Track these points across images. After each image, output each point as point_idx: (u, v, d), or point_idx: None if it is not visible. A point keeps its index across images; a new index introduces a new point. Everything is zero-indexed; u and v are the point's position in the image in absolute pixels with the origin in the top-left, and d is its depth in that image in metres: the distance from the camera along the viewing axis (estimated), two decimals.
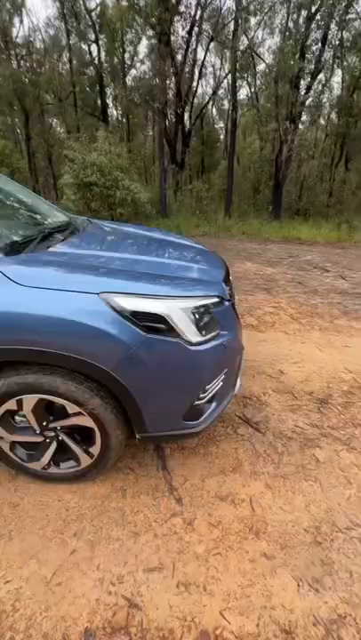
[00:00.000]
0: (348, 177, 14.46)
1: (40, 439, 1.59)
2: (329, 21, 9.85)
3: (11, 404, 1.47)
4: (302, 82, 10.68)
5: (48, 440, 1.59)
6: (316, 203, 13.85)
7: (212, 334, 1.52)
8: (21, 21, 18.00)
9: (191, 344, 1.40)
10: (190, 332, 1.40)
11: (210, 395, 1.60)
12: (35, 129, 19.34)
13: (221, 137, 26.40)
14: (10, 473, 1.73)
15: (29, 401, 1.45)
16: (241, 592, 1.27)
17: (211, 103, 19.98)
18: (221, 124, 27.10)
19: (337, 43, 10.48)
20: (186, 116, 15.17)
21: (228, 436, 2.05)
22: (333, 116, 15.37)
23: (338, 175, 15.09)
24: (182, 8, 11.46)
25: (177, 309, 1.38)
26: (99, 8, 16.10)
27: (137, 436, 1.55)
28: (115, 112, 21.81)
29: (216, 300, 1.60)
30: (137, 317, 1.33)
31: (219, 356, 1.56)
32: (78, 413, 1.48)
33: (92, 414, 1.46)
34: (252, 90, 16.05)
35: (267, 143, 15.07)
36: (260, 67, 13.86)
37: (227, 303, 1.71)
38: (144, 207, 9.88)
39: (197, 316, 1.46)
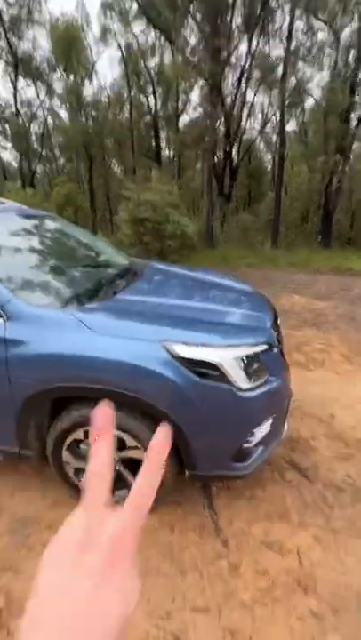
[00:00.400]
0: None
1: None
2: None
3: (78, 434, 1.68)
4: (352, 115, 10.74)
5: None
6: None
7: (261, 380, 1.61)
8: (90, 82, 20.53)
9: (241, 390, 1.50)
10: (240, 379, 1.51)
11: (258, 438, 1.66)
12: (97, 171, 21.59)
13: (268, 168, 27.01)
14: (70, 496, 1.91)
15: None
16: None
17: (258, 138, 20.77)
18: (269, 157, 27.83)
19: None
20: (234, 150, 15.89)
21: (274, 480, 2.05)
22: None
23: None
24: (233, 60, 12.40)
25: (228, 358, 1.51)
26: (157, 66, 18.05)
27: (186, 474, 1.65)
28: (167, 152, 23.59)
29: (265, 347, 1.70)
30: (192, 364, 1.48)
31: (267, 402, 1.63)
32: (135, 447, 1.63)
33: (147, 449, 1.60)
34: (300, 121, 16.41)
35: (315, 174, 15.11)
36: (309, 102, 14.25)
37: (275, 350, 1.79)
38: (191, 239, 10.35)
39: (247, 363, 1.56)
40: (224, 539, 1.69)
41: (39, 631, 0.24)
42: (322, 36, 12.59)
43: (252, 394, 1.54)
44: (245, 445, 1.60)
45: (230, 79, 13.44)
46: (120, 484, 1.80)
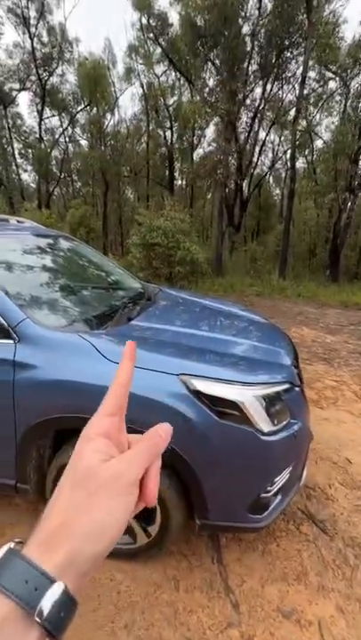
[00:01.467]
0: None
1: None
2: None
3: None
4: None
5: None
6: None
7: (284, 423, 1.49)
8: (112, 115, 21.77)
9: (262, 433, 1.39)
10: (262, 421, 1.40)
11: (277, 487, 1.52)
12: (111, 196, 22.39)
13: (277, 201, 27.84)
14: None
15: None
16: None
17: (268, 174, 21.57)
18: (278, 191, 28.78)
19: None
20: (245, 184, 16.44)
21: (289, 532, 1.87)
22: None
23: None
24: (248, 101, 13.13)
25: (250, 396, 1.40)
26: (176, 104, 19.17)
27: (197, 522, 1.50)
28: (180, 182, 24.52)
29: (287, 385, 1.60)
30: (211, 401, 1.38)
31: (289, 447, 1.50)
32: None
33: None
34: (309, 159, 17.06)
35: (323, 210, 15.48)
36: (318, 142, 14.88)
37: (297, 389, 1.69)
38: (201, 266, 10.46)
39: (269, 403, 1.46)
40: (235, 602, 1.50)
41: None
42: (333, 84, 13.41)
43: (275, 438, 1.42)
44: (263, 495, 1.46)
45: (244, 118, 14.18)
46: None
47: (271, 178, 25.71)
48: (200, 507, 1.46)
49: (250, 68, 12.15)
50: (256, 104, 13.86)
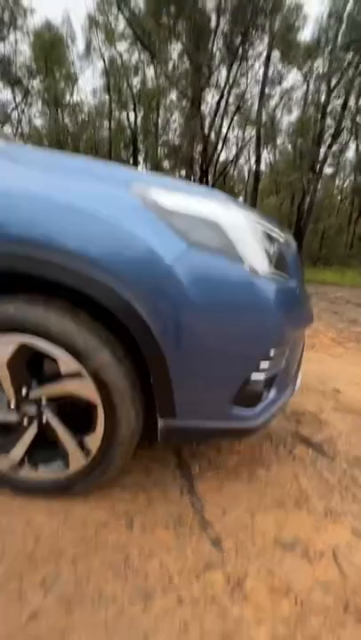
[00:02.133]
0: None
1: (14, 417, 1.06)
2: (350, 88, 10.76)
3: None
4: (324, 139, 11.35)
5: (26, 420, 1.06)
6: (337, 253, 13.84)
7: (283, 275, 1.05)
8: (71, 94, 20.56)
9: (255, 274, 0.93)
10: (255, 256, 0.94)
11: (271, 372, 1.07)
12: None
13: (241, 199, 28.12)
14: None
15: (5, 347, 0.96)
16: None
17: (233, 167, 21.59)
18: (241, 186, 29.10)
19: (355, 110, 11.32)
20: (210, 170, 16.19)
21: (280, 457, 1.44)
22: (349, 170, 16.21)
23: (358, 228, 15.38)
24: (213, 80, 12.84)
25: (236, 219, 0.94)
26: (139, 84, 18.43)
27: (160, 425, 1.01)
28: (144, 165, 23.78)
29: (282, 239, 1.16)
30: (179, 220, 0.89)
31: (291, 307, 1.06)
32: (75, 375, 0.97)
33: (95, 377, 0.95)
34: (273, 151, 17.27)
35: (286, 199, 15.72)
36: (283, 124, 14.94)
37: (293, 254, 1.26)
38: None
39: (264, 239, 1.00)
40: (215, 538, 1.03)
41: None
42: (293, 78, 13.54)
43: (273, 285, 0.97)
44: (255, 376, 1.00)
45: (210, 99, 13.89)
46: (47, 451, 1.11)
47: (236, 173, 25.87)
48: (164, 399, 0.97)
49: (215, 44, 11.86)
50: (221, 87, 13.65)
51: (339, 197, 20.08)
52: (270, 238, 1.06)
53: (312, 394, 2.09)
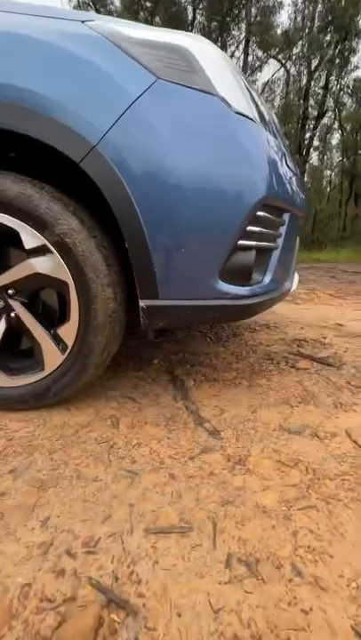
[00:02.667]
0: (359, 212, 14.61)
1: None
2: (331, 69, 10.75)
3: None
4: (308, 122, 11.32)
5: None
6: (330, 236, 13.76)
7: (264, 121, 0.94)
8: None
9: (230, 108, 0.81)
10: (232, 90, 0.83)
11: (263, 244, 0.96)
12: None
13: None
14: None
15: None
16: None
17: None
18: None
19: (337, 90, 11.32)
20: None
21: (282, 371, 1.33)
22: (337, 156, 16.17)
23: (349, 211, 15.32)
24: None
25: (209, 48, 0.83)
26: None
27: (141, 306, 0.89)
28: None
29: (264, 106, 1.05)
30: (147, 53, 0.78)
31: (277, 165, 0.94)
32: (40, 250, 0.86)
33: (63, 248, 0.84)
34: None
35: None
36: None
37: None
38: None
39: (241, 82, 0.89)
40: (212, 429, 0.91)
41: None
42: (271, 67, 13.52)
43: (254, 128, 0.85)
44: (242, 242, 0.89)
45: None
46: (18, 355, 1.00)
47: None
48: (142, 271, 0.86)
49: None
50: None
51: (328, 188, 20.08)
52: (252, 97, 0.95)
53: (314, 328, 1.98)
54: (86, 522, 0.60)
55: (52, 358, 0.95)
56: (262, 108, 1.08)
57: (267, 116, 1.14)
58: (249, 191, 0.84)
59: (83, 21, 0.81)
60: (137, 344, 1.57)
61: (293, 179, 1.12)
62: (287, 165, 1.05)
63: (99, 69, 0.77)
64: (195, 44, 0.82)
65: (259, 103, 1.04)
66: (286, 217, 1.09)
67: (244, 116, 0.83)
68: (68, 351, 0.93)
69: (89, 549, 0.55)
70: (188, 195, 0.81)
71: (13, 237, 0.88)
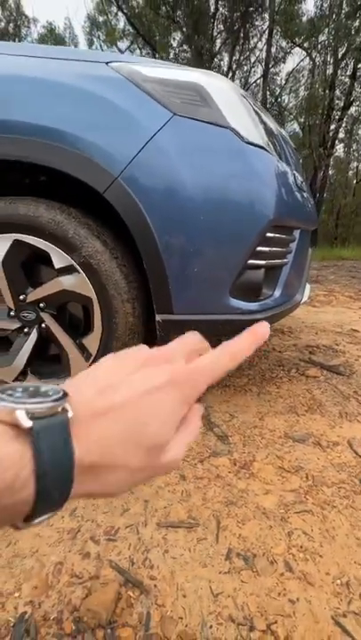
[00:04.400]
0: None
1: (14, 325, 1.06)
2: (359, 57, 10.31)
3: None
4: (333, 114, 10.94)
5: (26, 327, 1.06)
6: (355, 231, 13.31)
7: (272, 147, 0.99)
8: None
9: (241, 139, 0.87)
10: (244, 123, 0.89)
11: (273, 262, 1.01)
12: None
13: None
14: None
15: (0, 245, 0.96)
16: None
17: None
18: None
19: None
20: None
21: (292, 378, 1.38)
22: None
23: None
24: (215, 65, 12.66)
25: (222, 84, 0.89)
26: None
27: (157, 320, 0.98)
28: None
29: (276, 130, 1.10)
30: (162, 89, 0.86)
31: (286, 190, 1.00)
32: (68, 270, 0.96)
33: (88, 268, 0.94)
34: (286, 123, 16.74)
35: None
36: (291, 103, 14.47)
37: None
38: None
39: (253, 113, 0.95)
40: (221, 434, 0.99)
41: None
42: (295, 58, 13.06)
43: (265, 156, 0.91)
44: (252, 261, 0.95)
45: None
46: (46, 362, 1.12)
47: None
48: (160, 292, 0.94)
49: (215, 27, 11.68)
50: (224, 71, 13.41)
51: (354, 180, 19.34)
52: (260, 118, 1.00)
53: (328, 334, 2.00)
54: (107, 514, 0.70)
55: (78, 365, 1.05)
56: (271, 125, 1.12)
57: (275, 132, 1.19)
58: (257, 215, 0.90)
59: (107, 63, 0.89)
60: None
61: (303, 196, 1.16)
62: (296, 184, 1.10)
63: (121, 108, 0.84)
64: (207, 80, 0.88)
65: (268, 121, 1.09)
66: (297, 233, 1.14)
67: (254, 144, 0.89)
68: (91, 359, 1.04)
69: (110, 537, 0.64)
70: (201, 220, 0.89)
71: (44, 257, 0.98)
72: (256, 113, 0.98)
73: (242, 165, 0.87)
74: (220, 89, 0.88)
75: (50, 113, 0.85)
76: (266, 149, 0.92)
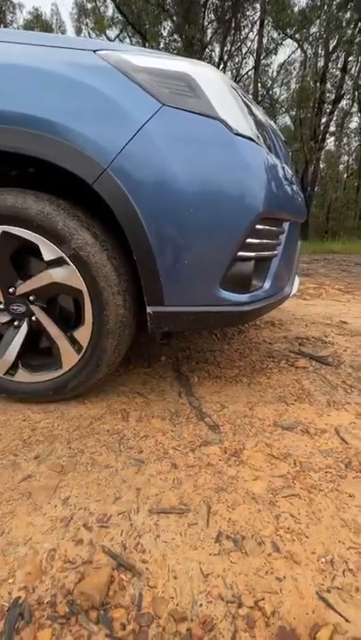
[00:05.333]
0: None
1: (4, 318, 1.06)
2: (350, 49, 10.30)
3: None
4: (324, 107, 10.94)
5: (17, 320, 1.06)
6: (345, 225, 13.44)
7: (262, 139, 1.00)
8: None
9: (231, 130, 0.87)
10: (234, 114, 0.89)
11: (263, 254, 1.02)
12: None
13: None
14: None
15: None
16: (358, 560, 0.59)
17: None
18: None
19: (356, 72, 10.85)
20: None
21: (282, 369, 1.40)
22: (355, 140, 15.63)
23: None
24: (207, 55, 12.49)
25: (211, 74, 0.89)
26: None
27: (148, 312, 0.98)
28: None
29: (266, 121, 1.10)
30: (150, 78, 0.85)
31: (276, 182, 1.00)
32: (58, 262, 0.95)
33: (78, 260, 0.93)
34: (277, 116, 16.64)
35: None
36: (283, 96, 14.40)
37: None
38: None
39: (243, 104, 0.95)
40: (212, 423, 1.01)
41: None
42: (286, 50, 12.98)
43: (254, 148, 0.91)
44: (242, 253, 0.96)
45: None
46: (39, 355, 1.11)
47: None
48: (149, 279, 0.94)
49: (206, 17, 11.50)
50: (215, 62, 13.24)
51: (345, 174, 19.44)
52: (250, 110, 1.01)
53: (317, 326, 2.03)
54: (100, 502, 0.71)
55: (69, 358, 1.05)
56: (261, 117, 1.12)
57: (265, 124, 1.19)
58: (247, 207, 0.90)
59: (94, 51, 0.87)
60: (146, 341, 1.67)
61: (292, 188, 1.17)
62: (285, 177, 1.11)
63: (109, 98, 0.84)
64: (196, 70, 0.87)
65: (257, 114, 1.09)
66: (286, 225, 1.15)
67: (243, 136, 0.89)
68: (82, 351, 1.04)
69: (102, 524, 0.65)
70: (191, 212, 0.89)
71: (33, 249, 0.97)
72: (246, 104, 0.98)
73: (231, 157, 0.88)
74: (210, 79, 0.88)
75: (37, 102, 0.83)
76: (255, 141, 0.92)
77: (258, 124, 1.07)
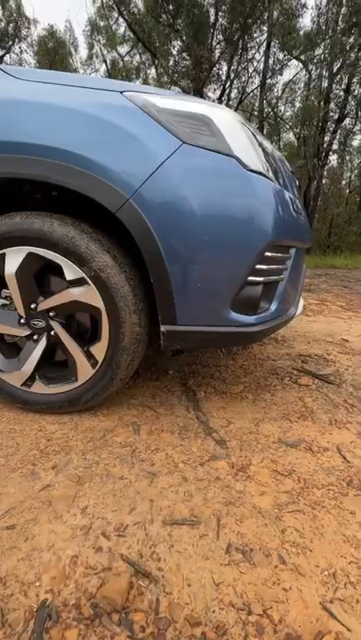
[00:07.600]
0: None
1: (25, 332, 1.12)
2: (353, 72, 10.62)
3: None
4: (328, 125, 11.22)
5: (36, 334, 1.12)
6: (347, 241, 13.60)
7: (272, 174, 1.07)
8: None
9: (244, 166, 0.95)
10: (247, 152, 0.96)
11: (271, 278, 1.09)
12: None
13: None
14: None
15: (15, 256, 1.02)
16: (359, 574, 0.63)
17: None
18: None
19: (360, 93, 11.15)
20: None
21: (285, 386, 1.45)
22: (358, 157, 15.95)
23: None
24: (214, 74, 12.87)
25: (226, 115, 0.97)
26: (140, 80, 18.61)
27: (162, 330, 1.04)
28: None
29: (276, 154, 1.18)
30: (172, 119, 0.93)
31: (285, 213, 1.07)
32: (79, 282, 1.02)
33: (98, 281, 0.99)
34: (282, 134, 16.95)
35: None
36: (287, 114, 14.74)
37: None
38: None
39: (255, 142, 1.02)
40: (219, 439, 1.06)
41: None
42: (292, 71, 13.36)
43: (265, 182, 0.99)
44: (251, 278, 1.02)
45: (211, 95, 13.90)
46: (55, 368, 1.17)
47: None
48: (164, 299, 1.01)
49: (215, 37, 11.90)
50: (223, 80, 13.62)
51: (347, 190, 19.74)
52: (261, 146, 1.08)
53: (320, 343, 2.09)
54: (116, 512, 0.76)
55: (84, 371, 1.11)
56: (269, 148, 1.21)
57: (274, 156, 1.27)
58: (257, 236, 0.97)
59: (121, 92, 0.96)
60: (154, 354, 1.73)
61: (299, 217, 1.25)
62: (292, 206, 1.18)
63: (134, 136, 0.91)
64: (214, 112, 0.95)
65: (266, 145, 1.17)
66: (293, 251, 1.22)
67: (255, 172, 0.97)
68: (98, 366, 1.09)
69: (119, 533, 0.70)
70: (206, 240, 0.95)
71: (54, 268, 1.04)
72: (255, 138, 1.06)
73: (244, 191, 0.95)
74: (226, 120, 0.96)
75: (71, 138, 0.91)
76: (266, 176, 1.00)
77: (266, 155, 1.15)
